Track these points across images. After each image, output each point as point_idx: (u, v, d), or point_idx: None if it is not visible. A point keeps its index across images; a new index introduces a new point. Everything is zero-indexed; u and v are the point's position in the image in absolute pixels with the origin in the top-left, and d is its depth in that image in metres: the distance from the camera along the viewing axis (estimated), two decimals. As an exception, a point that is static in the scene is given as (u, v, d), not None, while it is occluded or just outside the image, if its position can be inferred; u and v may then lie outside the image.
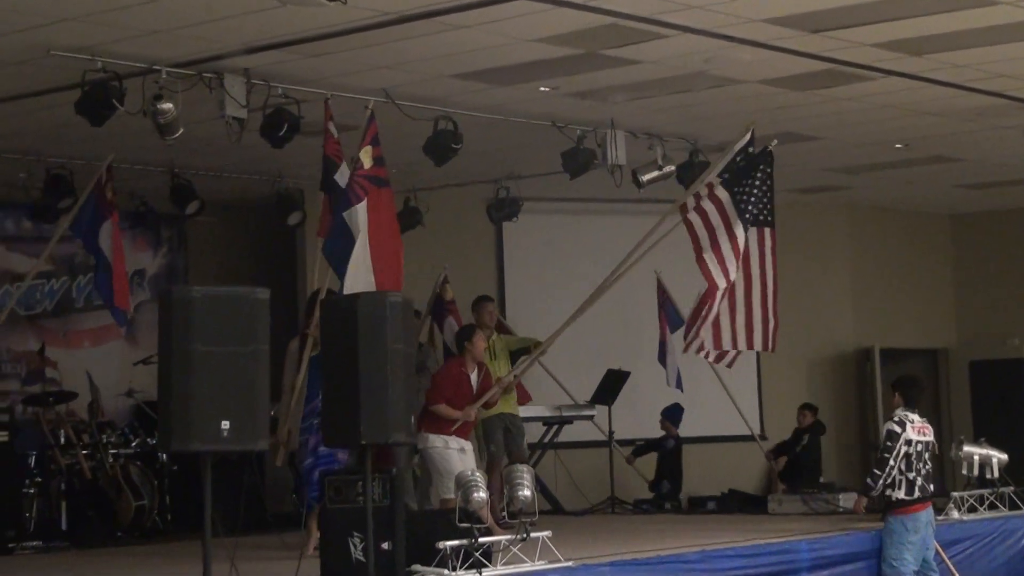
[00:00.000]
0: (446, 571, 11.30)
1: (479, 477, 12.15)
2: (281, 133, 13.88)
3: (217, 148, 14.58)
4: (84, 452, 17.09)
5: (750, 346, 15.37)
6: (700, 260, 14.75)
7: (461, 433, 14.59)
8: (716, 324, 14.92)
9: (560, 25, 12.57)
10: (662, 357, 17.41)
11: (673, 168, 17.04)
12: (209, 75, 13.38)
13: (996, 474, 16.07)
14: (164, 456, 16.24)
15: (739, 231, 14.68)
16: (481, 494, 11.96)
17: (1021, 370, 17.26)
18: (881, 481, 14.16)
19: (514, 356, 16.13)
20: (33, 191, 16.64)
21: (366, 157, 13.59)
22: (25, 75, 13.23)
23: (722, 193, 14.78)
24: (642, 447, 19.55)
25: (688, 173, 17.15)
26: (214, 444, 9.38)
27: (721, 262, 14.63)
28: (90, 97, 12.91)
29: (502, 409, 15.50)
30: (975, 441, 16.42)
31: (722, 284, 14.59)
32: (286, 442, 13.31)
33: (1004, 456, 16.10)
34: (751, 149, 15.08)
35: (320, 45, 12.79)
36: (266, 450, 10.53)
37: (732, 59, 14.08)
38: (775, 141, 15.10)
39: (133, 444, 17.56)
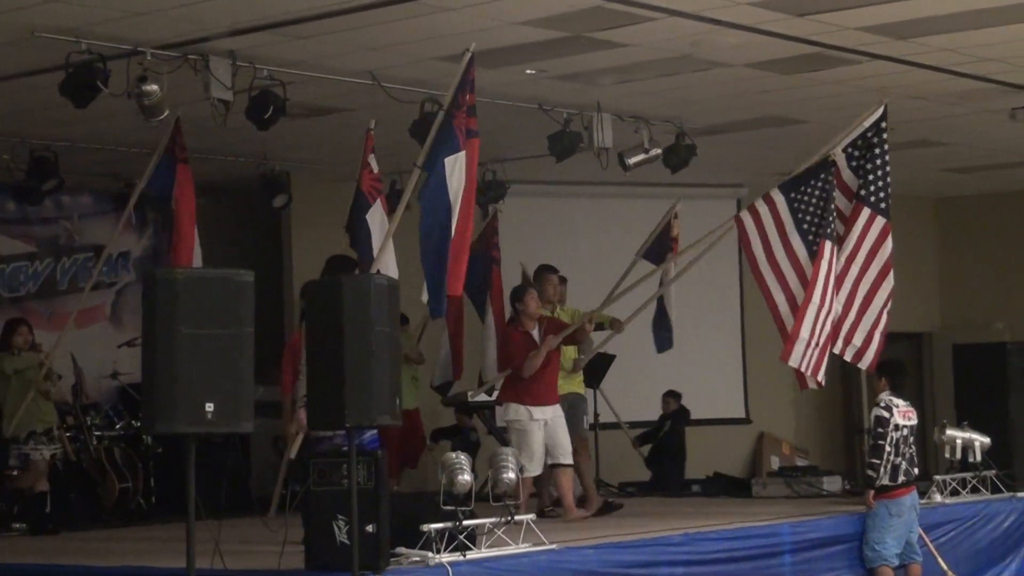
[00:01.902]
0: (430, 553, 11.33)
1: (464, 460, 12.19)
2: (267, 115, 13.90)
3: (202, 130, 14.56)
4: (68, 435, 17.11)
5: (852, 358, 14.86)
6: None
7: (548, 399, 14.61)
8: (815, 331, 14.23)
9: (546, 7, 12.57)
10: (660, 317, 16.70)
11: (659, 151, 17.07)
12: (194, 57, 13.37)
13: (978, 458, 16.18)
14: (148, 438, 16.27)
15: (864, 212, 14.43)
16: (466, 476, 12.00)
17: (1004, 354, 17.35)
18: (882, 468, 14.27)
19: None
20: (17, 172, 16.67)
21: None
22: (8, 56, 13.23)
23: (847, 173, 14.46)
24: (648, 434, 19.62)
25: (674, 156, 17.21)
26: (198, 426, 9.37)
27: (853, 241, 14.42)
28: (74, 79, 12.89)
29: (568, 389, 15.36)
30: (958, 425, 16.54)
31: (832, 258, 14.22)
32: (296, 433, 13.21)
33: (987, 440, 16.21)
34: (881, 119, 14.50)
35: (306, 27, 12.77)
36: (250, 432, 10.51)
37: (718, 42, 14.07)
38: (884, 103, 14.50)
39: (117, 426, 17.66)
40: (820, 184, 14.15)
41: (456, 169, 13.05)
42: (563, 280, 16.21)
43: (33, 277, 19.52)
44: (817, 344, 13.97)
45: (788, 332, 13.96)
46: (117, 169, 18.21)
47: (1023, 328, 18.50)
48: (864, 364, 14.83)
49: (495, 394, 15.53)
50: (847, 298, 14.38)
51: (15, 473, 15.59)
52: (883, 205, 14.45)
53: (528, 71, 14.71)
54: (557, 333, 14.62)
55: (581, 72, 14.98)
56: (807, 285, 13.88)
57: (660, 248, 15.79)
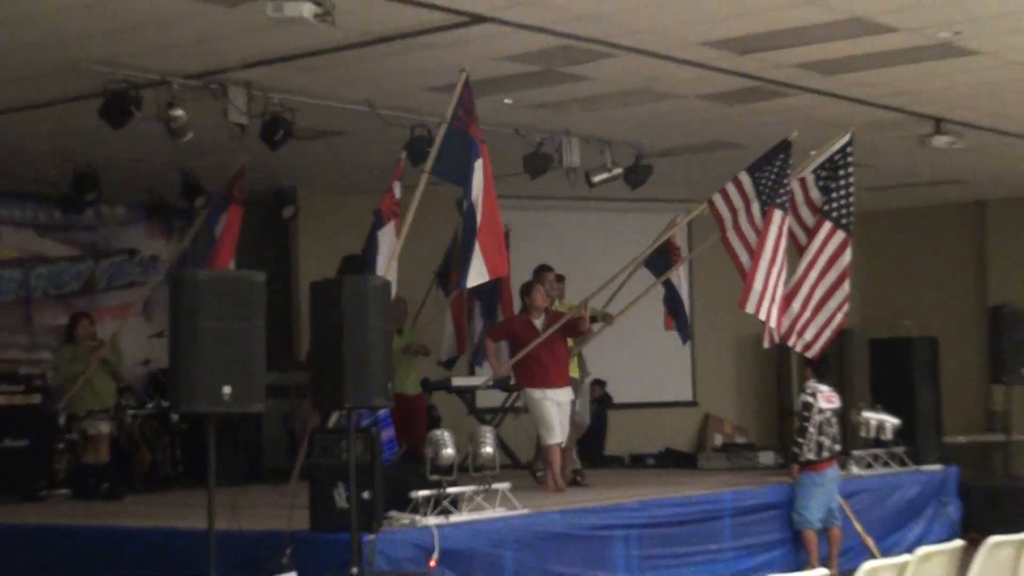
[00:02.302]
0: (418, 517, 11.50)
1: (447, 436, 12.33)
2: (277, 137, 13.98)
3: (221, 150, 14.64)
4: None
5: (801, 349, 15.05)
6: (795, 242, 14.75)
7: (559, 383, 14.61)
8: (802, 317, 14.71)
9: (521, 46, 12.69)
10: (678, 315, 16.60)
11: (621, 171, 17.16)
12: (215, 86, 13.45)
13: (889, 436, 16.34)
14: (175, 417, 16.29)
15: (825, 225, 14.68)
16: (449, 450, 12.15)
17: (911, 347, 17.47)
18: (807, 445, 14.49)
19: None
20: (62, 186, 16.64)
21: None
22: (55, 85, 13.31)
23: (813, 191, 14.75)
24: None
25: (633, 175, 17.31)
26: (217, 406, 9.59)
27: (815, 247, 14.66)
28: (111, 105, 12.99)
29: (576, 374, 15.36)
30: (872, 407, 16.68)
31: (805, 266, 14.63)
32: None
33: (897, 420, 16.35)
34: (849, 148, 14.85)
35: (311, 61, 12.88)
36: (262, 412, 10.63)
37: (672, 77, 14.16)
38: (850, 132, 14.89)
39: (149, 406, 17.69)
40: (779, 163, 14.34)
41: (478, 171, 13.16)
42: (561, 278, 16.20)
43: (76, 276, 19.53)
44: (773, 299, 14.08)
45: (748, 294, 14.09)
46: (148, 183, 18.19)
47: (927, 325, 18.61)
48: (810, 354, 14.98)
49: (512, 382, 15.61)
50: (804, 299, 14.62)
51: (81, 446, 15.68)
52: (844, 221, 14.71)
53: (506, 100, 14.76)
54: (559, 322, 14.61)
55: (552, 102, 15.05)
56: (766, 248, 14.05)
57: (662, 255, 15.74)
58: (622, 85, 14.49)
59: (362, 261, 14.24)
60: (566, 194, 17.94)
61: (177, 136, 13.45)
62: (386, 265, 13.11)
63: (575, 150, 16.69)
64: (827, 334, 14.78)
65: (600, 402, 19.85)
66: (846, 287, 14.90)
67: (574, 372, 15.44)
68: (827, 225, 14.71)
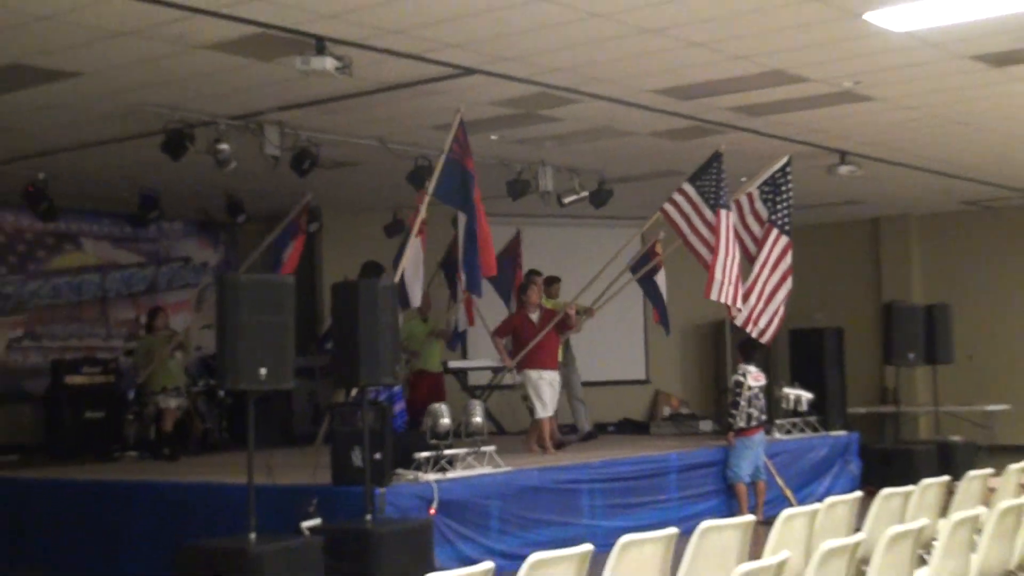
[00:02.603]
0: (420, 474, 11.57)
1: (444, 408, 12.36)
2: (304, 167, 14.00)
3: (259, 176, 14.65)
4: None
5: (756, 335, 14.94)
6: (744, 250, 14.74)
7: (551, 365, 14.66)
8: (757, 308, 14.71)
9: (504, 93, 12.70)
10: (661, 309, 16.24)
11: (587, 193, 17.16)
12: (253, 126, 13.49)
13: (804, 407, 16.39)
14: (221, 393, 16.29)
15: (773, 232, 14.70)
16: (446, 420, 12.18)
17: (822, 336, 17.54)
18: (739, 416, 14.57)
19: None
20: (131, 206, 16.65)
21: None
22: (124, 124, 13.33)
23: (760, 206, 14.78)
24: None
25: (597, 197, 17.34)
26: (255, 384, 9.58)
27: (765, 252, 14.66)
28: (171, 140, 13.01)
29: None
30: (791, 384, 16.72)
31: (766, 274, 14.63)
32: None
33: (810, 395, 16.39)
34: (786, 167, 14.88)
35: (332, 105, 12.90)
36: (291, 388, 10.63)
37: (628, 118, 14.17)
38: (788, 156, 14.99)
39: (200, 384, 17.68)
40: (714, 171, 14.26)
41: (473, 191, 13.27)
42: (557, 280, 16.34)
43: (142, 280, 19.51)
44: (730, 281, 14.05)
45: (711, 283, 14.05)
46: (199, 203, 18.22)
47: (834, 318, 18.72)
48: (764, 339, 14.97)
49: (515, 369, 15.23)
50: (758, 294, 14.64)
51: (152, 416, 15.79)
52: (786, 228, 14.72)
53: (492, 137, 14.74)
54: (548, 320, 14.63)
55: (530, 138, 15.04)
56: (721, 243, 14.05)
57: (645, 262, 15.56)
58: (587, 124, 14.51)
59: (378, 266, 14.31)
60: (541, 212, 17.88)
61: (223, 166, 13.46)
62: (413, 271, 13.26)
63: (549, 177, 16.65)
64: (776, 323, 14.84)
65: None
66: (789, 283, 14.93)
67: (560, 358, 15.41)
68: (774, 232, 14.74)
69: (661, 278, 15.63)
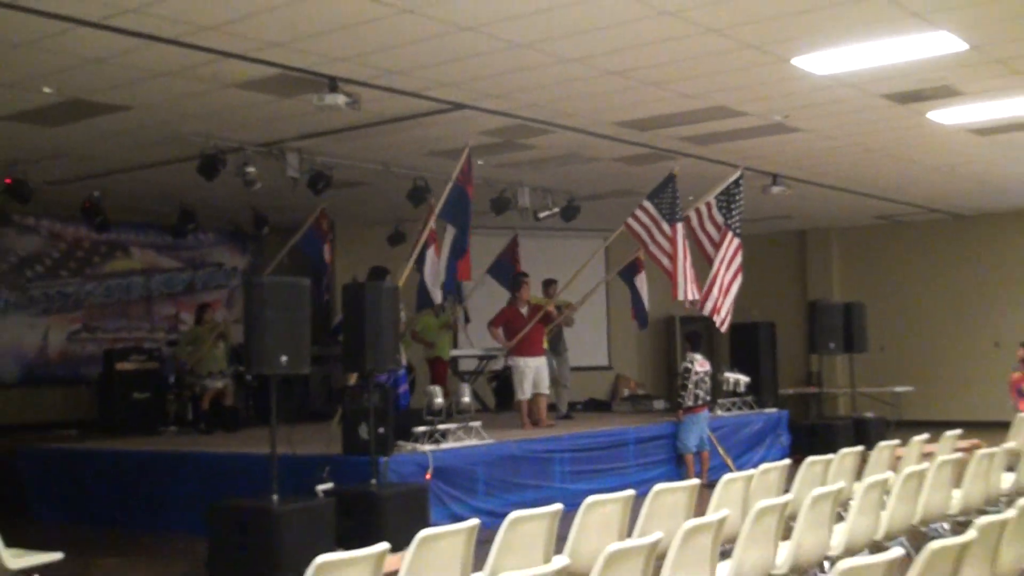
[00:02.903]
0: (418, 445, 11.59)
1: (438, 390, 12.35)
2: (319, 187, 13.96)
3: (280, 194, 14.61)
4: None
5: (719, 324, 15.07)
6: (702, 251, 14.82)
7: (536, 353, 14.59)
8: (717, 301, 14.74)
9: (489, 124, 12.67)
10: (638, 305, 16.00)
11: (558, 209, 17.11)
12: (276, 151, 13.44)
13: (743, 389, 16.44)
14: (248, 377, 16.25)
15: (723, 233, 14.74)
16: (439, 400, 12.19)
17: (757, 329, 17.54)
18: (687, 397, 14.61)
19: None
20: (172, 218, 16.59)
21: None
22: (168, 151, 13.28)
23: (716, 214, 14.78)
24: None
25: (567, 213, 17.29)
26: (277, 369, 9.58)
27: (722, 253, 14.71)
28: (205, 163, 12.94)
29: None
30: (731, 370, 16.74)
31: (723, 271, 14.66)
32: None
33: (747, 378, 16.44)
34: (741, 181, 14.92)
35: (344, 134, 12.87)
36: (308, 373, 10.61)
37: (594, 146, 14.15)
38: (741, 170, 15.02)
39: (230, 370, 17.65)
40: (670, 190, 14.25)
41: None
42: (554, 281, 16.14)
43: (181, 282, 19.45)
44: (691, 281, 14.20)
45: (675, 284, 14.14)
46: (229, 217, 18.16)
47: (767, 314, 18.70)
48: (724, 328, 15.12)
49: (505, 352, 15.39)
50: (719, 288, 14.66)
51: (200, 395, 15.70)
52: (738, 231, 14.79)
53: (479, 162, 14.53)
54: (535, 314, 14.59)
55: (510, 162, 15.00)
56: (678, 252, 14.14)
57: (630, 268, 15.54)
58: (558, 151, 14.47)
59: (383, 270, 14.30)
60: (520, 225, 17.82)
61: (250, 186, 13.40)
62: (433, 276, 13.29)
63: (526, 195, 16.59)
64: (731, 312, 14.93)
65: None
66: (740, 278, 15.01)
67: (544, 345, 15.32)
68: (729, 235, 14.79)
69: (641, 281, 15.59)
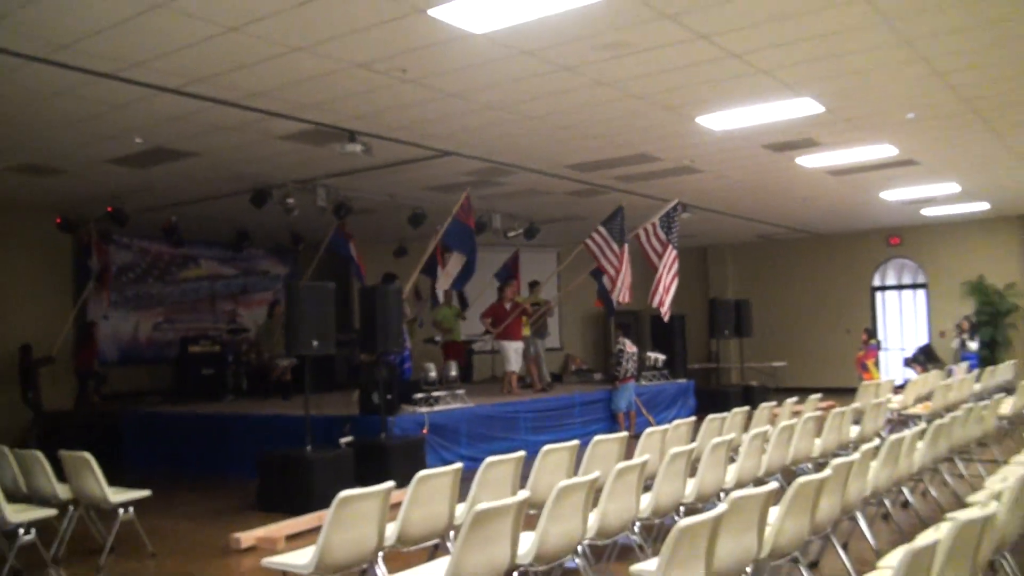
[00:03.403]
0: (416, 407, 11.59)
1: (431, 365, 12.33)
2: (342, 213, 13.90)
3: (312, 219, 14.55)
4: (254, 355, 17.09)
5: (663, 316, 15.04)
6: (648, 260, 14.70)
7: (516, 336, 14.51)
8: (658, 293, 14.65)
9: (469, 167, 12.63)
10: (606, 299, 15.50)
11: (522, 230, 17.05)
12: (309, 186, 13.35)
13: (660, 365, 16.50)
14: (289, 356, 16.18)
15: (667, 246, 14.64)
16: (432, 373, 12.16)
17: (671, 320, 17.49)
18: (620, 370, 14.60)
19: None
20: (231, 237, 16.50)
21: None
22: (228, 185, 13.17)
23: (660, 232, 14.70)
24: None
25: (529, 233, 17.18)
26: (310, 351, 9.54)
27: (664, 261, 14.61)
28: (257, 196, 12.93)
29: (525, 333, 15.11)
30: (653, 350, 16.79)
31: (665, 274, 14.57)
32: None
33: (664, 356, 16.53)
34: (678, 208, 14.88)
35: (360, 174, 12.79)
36: (334, 354, 10.57)
37: (549, 184, 14.06)
38: (676, 200, 14.93)
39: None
40: (619, 219, 14.22)
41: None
42: (537, 283, 16.15)
43: (238, 286, 19.26)
44: (627, 287, 14.19)
45: (614, 288, 14.13)
46: (273, 236, 17.98)
47: (679, 309, 18.57)
48: (666, 319, 15.12)
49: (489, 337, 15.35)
50: (663, 288, 14.55)
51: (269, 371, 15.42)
52: (675, 244, 14.71)
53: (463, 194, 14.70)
54: (516, 309, 14.52)
55: (486, 195, 14.90)
56: (620, 265, 14.14)
57: (599, 270, 15.06)
58: (522, 188, 14.42)
59: (392, 276, 14.26)
60: (493, 242, 17.77)
61: (289, 212, 13.34)
62: (443, 281, 13.43)
63: (498, 219, 16.52)
64: (670, 306, 14.87)
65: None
66: (676, 281, 14.87)
67: (528, 331, 15.26)
68: (670, 247, 14.72)
69: (607, 280, 15.31)
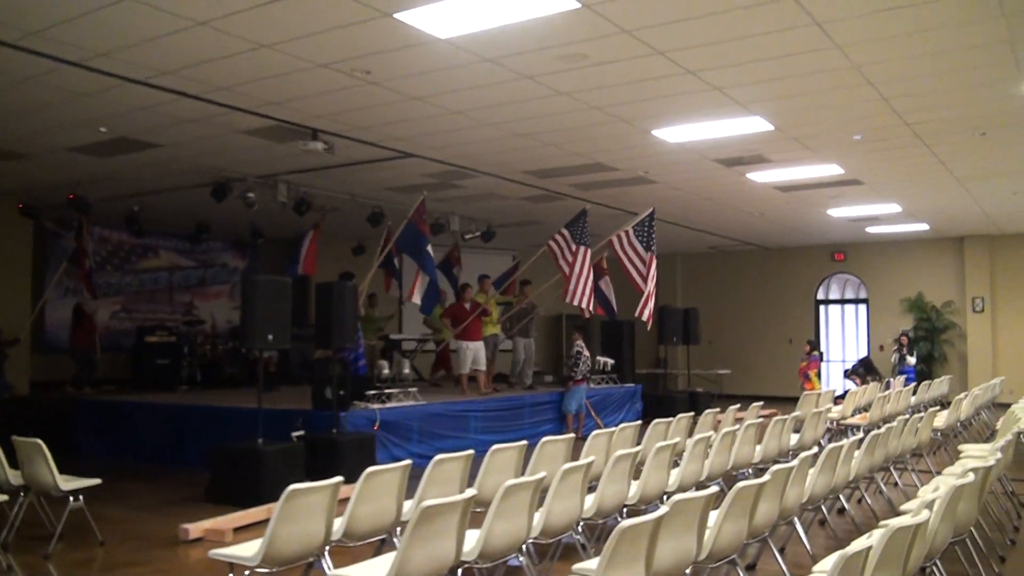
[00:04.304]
0: (368, 404, 11.48)
1: (385, 363, 12.25)
2: (302, 210, 13.71)
3: (272, 214, 14.45)
4: (208, 347, 16.93)
5: (646, 320, 14.36)
6: (624, 268, 14.32)
7: (476, 337, 14.13)
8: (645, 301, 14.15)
9: (429, 169, 12.62)
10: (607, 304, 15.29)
11: (480, 232, 17.02)
12: (271, 182, 13.26)
13: (609, 369, 16.54)
14: (244, 350, 16.04)
15: (645, 254, 14.20)
16: (386, 370, 12.08)
17: (621, 325, 17.33)
18: (574, 374, 14.62)
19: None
20: (191, 228, 16.29)
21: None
22: (189, 178, 13.03)
23: (634, 240, 14.28)
24: (412, 352, 18.53)
25: (486, 236, 17.15)
26: (265, 345, 9.41)
27: (640, 270, 14.20)
28: (217, 190, 12.76)
29: (490, 332, 14.85)
30: (603, 354, 16.83)
31: (641, 282, 14.14)
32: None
33: (613, 361, 16.59)
34: (651, 214, 14.42)
35: (321, 171, 12.73)
36: (289, 348, 10.47)
37: (506, 188, 14.10)
38: (652, 208, 14.55)
39: (230, 344, 17.35)
40: (582, 221, 13.98)
41: (432, 249, 13.19)
42: (528, 282, 15.80)
43: (196, 277, 19.08)
44: (584, 293, 13.75)
45: (567, 290, 13.78)
46: (233, 229, 17.78)
47: (627, 315, 18.66)
48: (649, 325, 14.52)
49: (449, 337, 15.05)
50: (646, 293, 14.11)
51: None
52: (654, 248, 14.28)
53: (422, 195, 14.62)
54: (475, 310, 14.17)
55: (444, 197, 14.92)
56: (576, 267, 13.82)
57: (598, 273, 14.75)
58: (481, 191, 14.42)
59: (350, 274, 14.15)
60: (451, 244, 17.76)
61: (250, 207, 13.17)
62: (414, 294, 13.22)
63: (456, 222, 16.52)
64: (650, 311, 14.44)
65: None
66: (653, 284, 14.51)
67: (495, 330, 15.02)
68: (652, 256, 14.27)
69: (606, 283, 15.12)
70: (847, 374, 19.69)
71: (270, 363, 15.09)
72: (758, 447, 9.02)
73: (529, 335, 15.93)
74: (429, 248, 13.15)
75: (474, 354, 14.25)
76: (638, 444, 8.48)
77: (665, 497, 7.06)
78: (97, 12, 6.84)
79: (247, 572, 4.92)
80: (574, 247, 14.03)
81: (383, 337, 16.28)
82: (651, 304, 14.36)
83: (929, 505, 4.82)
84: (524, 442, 6.99)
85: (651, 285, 14.36)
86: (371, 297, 15.71)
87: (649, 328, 14.74)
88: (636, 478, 6.86)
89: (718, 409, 10.95)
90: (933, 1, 6.67)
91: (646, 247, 14.33)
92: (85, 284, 14.87)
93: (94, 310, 16.10)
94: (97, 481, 7.49)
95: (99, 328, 16.81)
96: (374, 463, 8.00)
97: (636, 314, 14.36)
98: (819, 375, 17.89)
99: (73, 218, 14.58)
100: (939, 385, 16.50)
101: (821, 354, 18.98)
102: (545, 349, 23.49)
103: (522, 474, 6.90)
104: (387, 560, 4.69)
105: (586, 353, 14.85)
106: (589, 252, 14.03)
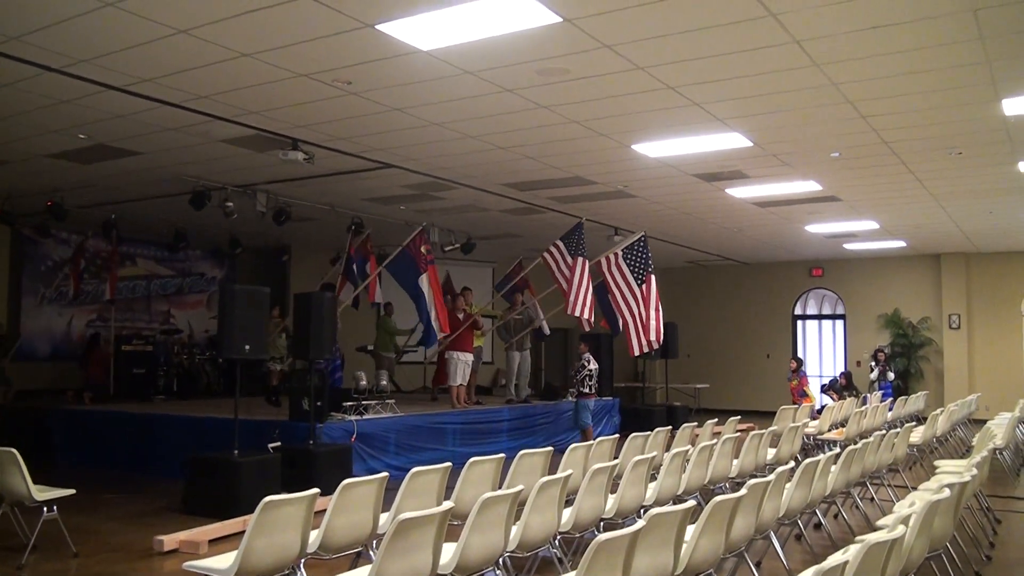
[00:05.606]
0: (346, 415, 11.43)
1: (363, 373, 12.20)
2: (281, 219, 13.70)
3: (251, 223, 14.38)
4: (184, 356, 16.82)
5: (647, 346, 14.13)
6: (612, 295, 14.10)
7: (468, 349, 14.01)
8: (636, 327, 13.96)
9: (409, 180, 12.59)
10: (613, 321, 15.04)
11: (459, 244, 16.98)
12: (249, 191, 13.20)
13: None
14: (220, 359, 15.95)
15: (634, 281, 14.04)
16: (364, 382, 12.04)
17: (599, 339, 17.04)
18: (585, 387, 14.37)
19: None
20: (169, 237, 16.19)
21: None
22: (168, 187, 12.94)
23: (623, 263, 14.15)
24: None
25: (466, 248, 17.11)
26: (241, 355, 9.37)
27: (625, 297, 14.07)
28: (196, 198, 12.65)
29: (478, 343, 14.79)
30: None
31: (629, 306, 13.93)
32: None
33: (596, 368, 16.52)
34: (642, 238, 14.33)
35: (301, 181, 12.68)
36: (266, 359, 10.41)
37: (486, 201, 14.09)
38: (643, 233, 14.48)
39: (207, 354, 17.27)
40: (577, 233, 13.97)
41: (426, 283, 13.08)
42: (467, 289, 15.69)
43: (173, 286, 18.96)
44: (585, 304, 13.60)
45: (567, 302, 13.70)
46: (212, 238, 17.66)
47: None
48: (656, 345, 14.26)
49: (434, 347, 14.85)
50: (646, 316, 13.97)
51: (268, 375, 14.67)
52: (651, 269, 14.18)
53: (401, 207, 14.62)
54: (467, 320, 14.09)
55: (425, 209, 14.89)
56: (575, 279, 13.72)
57: (602, 289, 14.60)
58: (461, 203, 14.40)
59: (331, 286, 14.09)
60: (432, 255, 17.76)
61: (228, 216, 13.09)
62: (431, 294, 13.14)
63: (436, 233, 16.46)
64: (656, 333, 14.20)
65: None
66: (660, 309, 14.31)
67: (480, 342, 14.96)
68: (652, 277, 14.16)
69: (613, 298, 14.80)
70: (824, 389, 19.79)
71: (273, 375, 14.96)
72: (735, 461, 9.03)
73: (525, 348, 15.82)
74: (421, 282, 13.07)
75: (466, 365, 14.12)
76: (616, 458, 8.49)
77: (642, 511, 7.06)
78: (77, 19, 6.80)
79: (221, 584, 4.88)
80: (571, 260, 14.00)
81: (401, 351, 15.93)
82: (654, 327, 14.02)
83: (905, 520, 4.85)
84: (502, 455, 6.98)
85: (652, 312, 14.05)
86: (387, 306, 15.43)
87: (657, 345, 14.45)
88: (613, 492, 6.86)
89: (696, 423, 10.97)
90: (911, 21, 6.75)
91: (638, 275, 14.14)
92: (75, 284, 14.91)
93: (109, 340, 16.04)
94: (71, 491, 7.42)
95: (76, 336, 16.72)
96: (351, 475, 7.96)
97: (635, 352, 14.18)
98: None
99: (71, 230, 14.57)
100: (915, 401, 16.61)
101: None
102: (560, 365, 23.24)
103: (499, 487, 6.88)
104: (363, 573, 4.66)
105: (593, 367, 14.56)
106: (587, 264, 13.99)
